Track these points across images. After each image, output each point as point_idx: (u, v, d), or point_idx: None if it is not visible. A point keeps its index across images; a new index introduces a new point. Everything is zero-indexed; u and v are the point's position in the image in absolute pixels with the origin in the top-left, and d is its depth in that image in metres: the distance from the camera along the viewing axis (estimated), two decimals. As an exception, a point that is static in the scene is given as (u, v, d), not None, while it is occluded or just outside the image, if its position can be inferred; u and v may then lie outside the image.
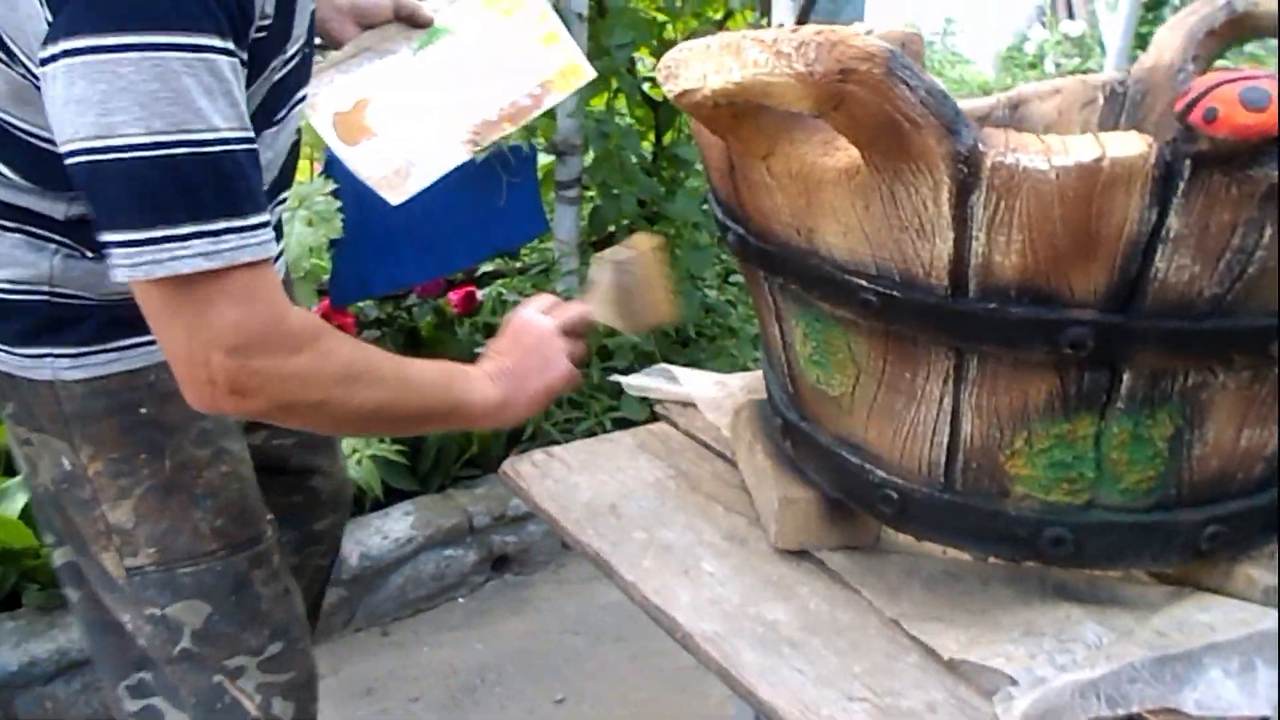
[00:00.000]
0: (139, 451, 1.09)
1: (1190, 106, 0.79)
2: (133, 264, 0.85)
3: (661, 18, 2.47)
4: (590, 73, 1.46)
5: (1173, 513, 0.96)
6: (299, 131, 1.19)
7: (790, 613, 1.03)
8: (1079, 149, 0.80)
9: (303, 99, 1.14)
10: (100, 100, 0.80)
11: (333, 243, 2.19)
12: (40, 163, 0.97)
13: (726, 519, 1.19)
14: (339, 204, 2.09)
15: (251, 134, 0.90)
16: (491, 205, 2.38)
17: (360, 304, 2.57)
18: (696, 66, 0.84)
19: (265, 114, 1.04)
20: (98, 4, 0.80)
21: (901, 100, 0.78)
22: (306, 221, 2.01)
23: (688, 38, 2.52)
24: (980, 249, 0.85)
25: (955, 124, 0.81)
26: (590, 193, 2.67)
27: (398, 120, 1.36)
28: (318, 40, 1.27)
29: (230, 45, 0.86)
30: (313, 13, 1.11)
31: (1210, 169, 0.79)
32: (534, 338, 1.10)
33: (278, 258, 1.22)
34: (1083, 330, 0.85)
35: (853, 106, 0.79)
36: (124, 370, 1.07)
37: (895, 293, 0.90)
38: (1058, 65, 6.07)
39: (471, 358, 2.47)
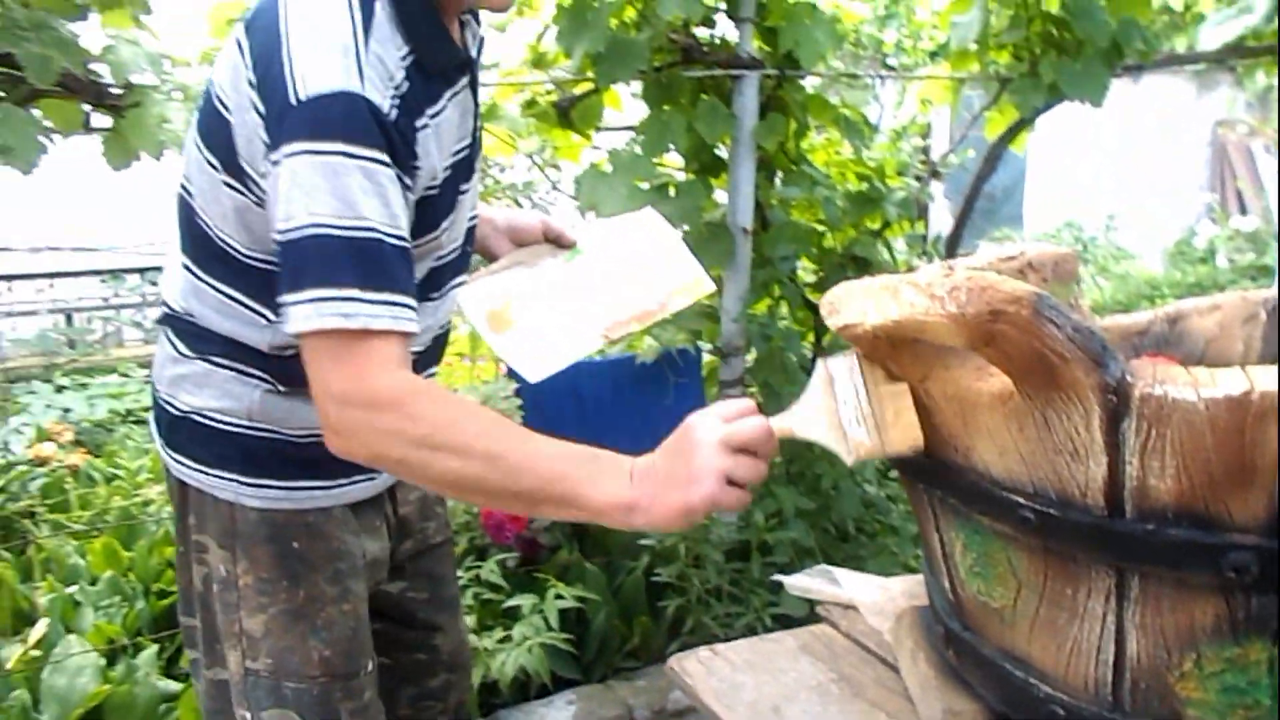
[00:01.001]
0: (283, 577, 1.25)
1: (1337, 343, 0.82)
2: (295, 315, 1.03)
3: (820, 228, 2.62)
4: (709, 286, 1.59)
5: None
6: (449, 319, 1.39)
7: (956, 829, 1.02)
8: (1227, 382, 0.84)
9: (456, 285, 1.34)
10: (285, 195, 1.03)
11: (512, 436, 2.36)
12: (257, 285, 1.17)
13: (889, 727, 1.20)
14: (520, 403, 2.27)
15: (401, 231, 1.07)
16: (660, 404, 2.51)
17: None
18: (857, 304, 0.94)
19: (425, 289, 1.23)
20: (290, 125, 1.03)
21: (1049, 337, 0.85)
22: (490, 418, 2.18)
23: (847, 247, 2.67)
24: (1134, 473, 0.89)
25: (1103, 357, 0.87)
26: (753, 390, 2.78)
27: (540, 316, 1.50)
28: (477, 256, 1.50)
29: (388, 160, 1.05)
30: (470, 229, 1.34)
31: (1361, 400, 0.81)
32: (691, 445, 1.01)
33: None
34: (1245, 555, 0.87)
35: (1003, 344, 0.86)
36: (291, 508, 1.25)
37: (1053, 511, 0.94)
38: (1231, 261, 5.93)
39: (637, 548, 2.56)
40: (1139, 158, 7.29)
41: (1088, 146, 7.67)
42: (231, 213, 1.15)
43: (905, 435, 1.00)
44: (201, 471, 1.26)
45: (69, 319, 5.24)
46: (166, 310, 1.28)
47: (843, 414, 1.01)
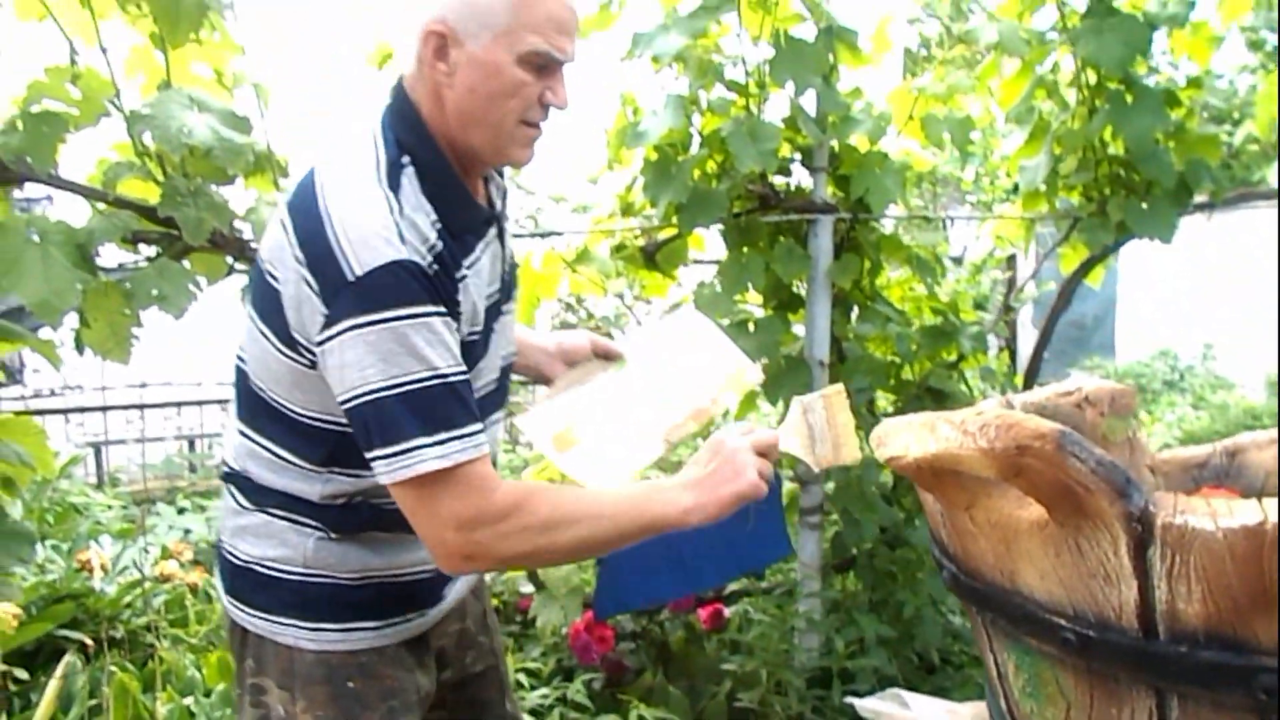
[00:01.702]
0: (339, 716, 1.30)
1: (1344, 478, 0.90)
2: (388, 471, 1.14)
3: (897, 360, 2.72)
4: (757, 375, 1.68)
5: None
6: (495, 452, 1.46)
7: None
8: (1243, 513, 0.92)
9: (496, 420, 1.44)
10: (356, 362, 1.12)
11: (597, 561, 2.46)
12: (307, 439, 1.26)
13: (953, 847, 1.24)
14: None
15: (463, 368, 1.18)
16: (740, 529, 2.59)
17: (619, 618, 2.80)
18: (901, 438, 1.04)
19: None
20: (352, 298, 1.12)
21: (1073, 470, 0.95)
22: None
23: (922, 380, 2.75)
24: (1164, 597, 0.96)
25: (1126, 489, 0.95)
26: (832, 517, 2.84)
27: (601, 431, 1.57)
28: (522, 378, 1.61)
29: (442, 309, 1.16)
30: (506, 366, 1.42)
31: (1371, 533, 0.88)
32: (729, 450, 1.26)
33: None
34: (1275, 678, 0.92)
35: (1031, 475, 0.96)
36: (346, 650, 1.32)
37: (1092, 633, 1.01)
38: (1336, 390, 5.76)
39: (718, 672, 2.60)
40: (1237, 284, 7.19)
41: (1182, 274, 7.62)
42: (285, 376, 1.23)
43: (851, 453, 1.40)
44: (261, 618, 1.32)
45: (191, 445, 5.59)
46: (226, 469, 1.37)
47: (814, 435, 1.38)
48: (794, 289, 2.69)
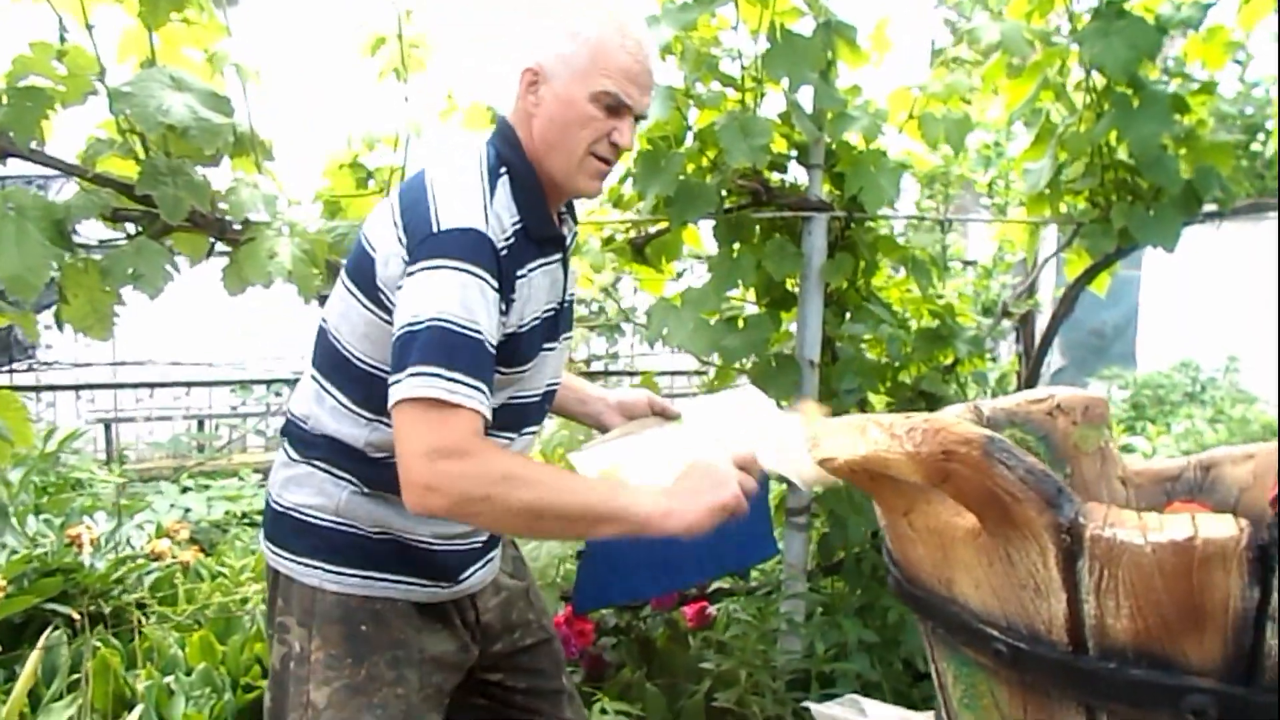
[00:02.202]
0: (349, 656, 1.43)
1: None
2: (400, 387, 1.25)
3: (892, 362, 2.69)
4: (811, 471, 1.66)
5: None
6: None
7: None
8: (1173, 528, 0.89)
9: (530, 432, 1.56)
10: (416, 296, 1.28)
11: (578, 555, 2.45)
12: (365, 386, 1.40)
13: None
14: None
15: (494, 340, 1.31)
16: (725, 528, 2.57)
17: (601, 613, 2.79)
18: (833, 440, 1.02)
19: (501, 425, 1.42)
20: (431, 245, 1.29)
21: (1000, 478, 0.92)
22: (557, 534, 2.29)
23: (916, 382, 2.72)
24: (1092, 611, 0.93)
25: (1056, 499, 0.93)
26: (819, 519, 2.81)
27: (644, 475, 1.62)
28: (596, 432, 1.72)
29: (497, 285, 1.31)
30: (550, 391, 1.56)
31: (1304, 553, 0.85)
32: (707, 464, 1.35)
33: None
34: (1204, 699, 0.90)
35: (958, 481, 0.93)
36: (364, 594, 1.45)
37: (1023, 645, 0.99)
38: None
39: (700, 671, 2.58)
40: (1264, 297, 7.06)
41: (1208, 285, 7.49)
42: (361, 327, 1.41)
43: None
44: (294, 560, 1.47)
45: (200, 425, 5.63)
46: (289, 418, 1.53)
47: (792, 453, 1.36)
48: (788, 287, 2.66)
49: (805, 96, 2.43)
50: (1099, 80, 2.63)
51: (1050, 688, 0.99)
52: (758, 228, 2.58)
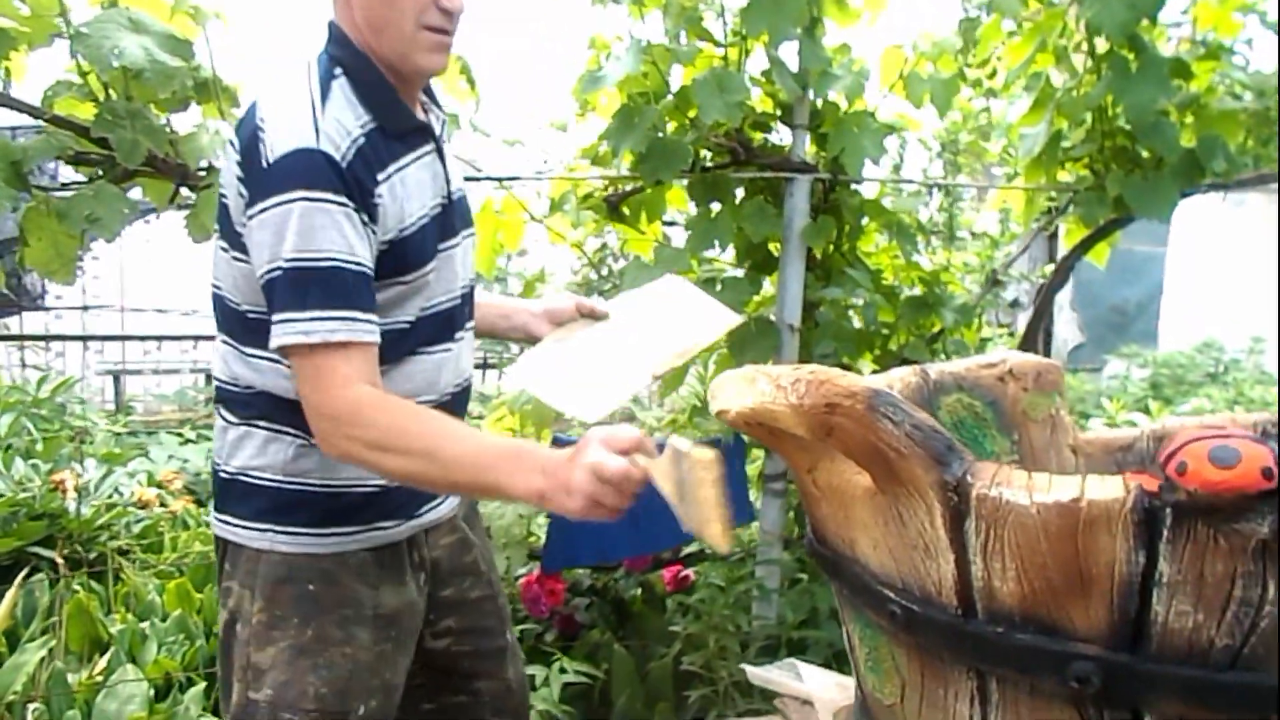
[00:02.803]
0: (294, 615, 1.38)
1: (1169, 457, 0.83)
2: (274, 335, 1.23)
3: (873, 328, 2.63)
4: (736, 319, 1.69)
5: None
6: (468, 375, 1.53)
7: None
8: (1060, 488, 0.86)
9: (463, 339, 1.49)
10: (262, 240, 1.24)
11: (549, 514, 2.44)
12: (261, 334, 1.31)
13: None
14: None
15: (358, 259, 1.25)
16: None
17: (576, 572, 2.78)
18: (728, 391, 0.99)
19: (425, 338, 1.41)
20: (264, 182, 1.24)
21: (885, 432, 0.89)
22: (524, 492, 2.28)
23: (900, 349, 2.67)
24: (980, 573, 0.90)
25: (944, 456, 0.90)
26: (794, 486, 2.78)
27: (587, 367, 1.63)
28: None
29: (346, 201, 1.24)
30: (468, 291, 1.49)
31: (1192, 519, 0.81)
32: (574, 464, 1.13)
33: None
34: (1088, 665, 0.86)
35: (842, 436, 0.90)
36: (310, 553, 1.39)
37: (915, 608, 0.96)
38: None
39: (671, 634, 2.57)
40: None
41: (1234, 263, 7.33)
42: (239, 278, 1.34)
43: (712, 535, 1.11)
44: (241, 525, 1.41)
45: (208, 379, 5.68)
46: (217, 384, 1.47)
47: (682, 490, 1.12)
48: (772, 250, 2.61)
49: (790, 54, 2.37)
50: (1101, 44, 2.55)
51: (942, 651, 0.97)
52: (742, 189, 2.54)
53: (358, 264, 1.25)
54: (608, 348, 1.67)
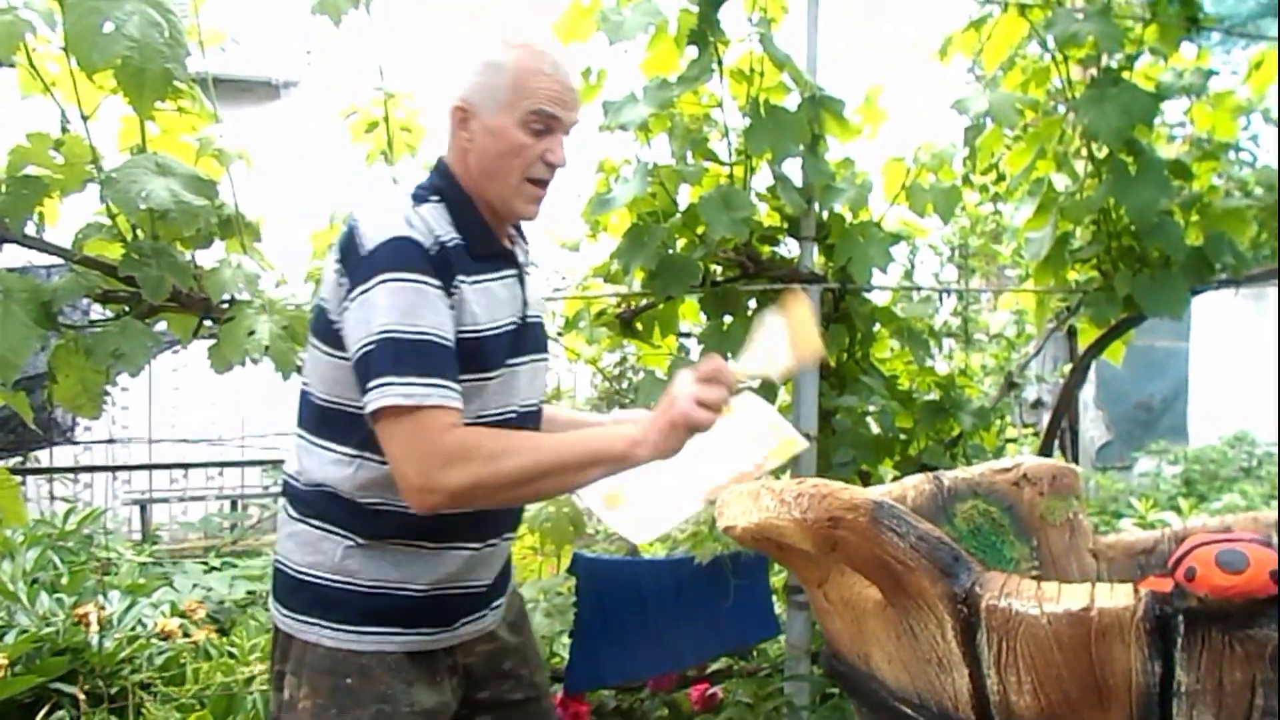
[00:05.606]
0: (333, 706, 1.46)
1: (1178, 563, 0.83)
2: (370, 399, 1.32)
3: (889, 435, 2.63)
4: (803, 444, 1.69)
5: None
6: None
7: None
8: (1070, 597, 0.85)
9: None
10: (361, 319, 1.35)
11: (572, 634, 2.41)
12: (344, 427, 1.44)
13: None
14: (574, 599, 2.33)
15: (447, 334, 1.37)
16: (722, 606, 2.52)
17: (601, 694, 2.72)
18: (734, 507, 1.00)
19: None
20: (363, 268, 1.37)
21: (890, 545, 0.89)
22: (545, 613, 2.25)
23: (919, 454, 2.66)
24: (995, 686, 0.89)
25: (951, 567, 0.89)
26: (826, 599, 2.73)
27: (647, 489, 1.62)
28: None
29: (436, 281, 1.37)
30: (532, 412, 1.57)
31: (1205, 625, 0.80)
32: (677, 385, 1.36)
33: None
34: (1114, 781, 0.84)
35: (848, 549, 0.90)
36: (351, 649, 1.48)
37: (934, 724, 0.94)
38: None
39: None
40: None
41: (1260, 357, 7.27)
42: (329, 374, 1.46)
43: (812, 350, 1.41)
44: (292, 617, 1.51)
45: (234, 505, 5.70)
46: (285, 478, 1.57)
47: (773, 349, 1.40)
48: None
49: (795, 170, 2.44)
50: (1101, 149, 2.60)
51: (964, 770, 0.94)
52: (754, 301, 2.57)
53: (446, 341, 1.37)
54: (671, 468, 1.67)
